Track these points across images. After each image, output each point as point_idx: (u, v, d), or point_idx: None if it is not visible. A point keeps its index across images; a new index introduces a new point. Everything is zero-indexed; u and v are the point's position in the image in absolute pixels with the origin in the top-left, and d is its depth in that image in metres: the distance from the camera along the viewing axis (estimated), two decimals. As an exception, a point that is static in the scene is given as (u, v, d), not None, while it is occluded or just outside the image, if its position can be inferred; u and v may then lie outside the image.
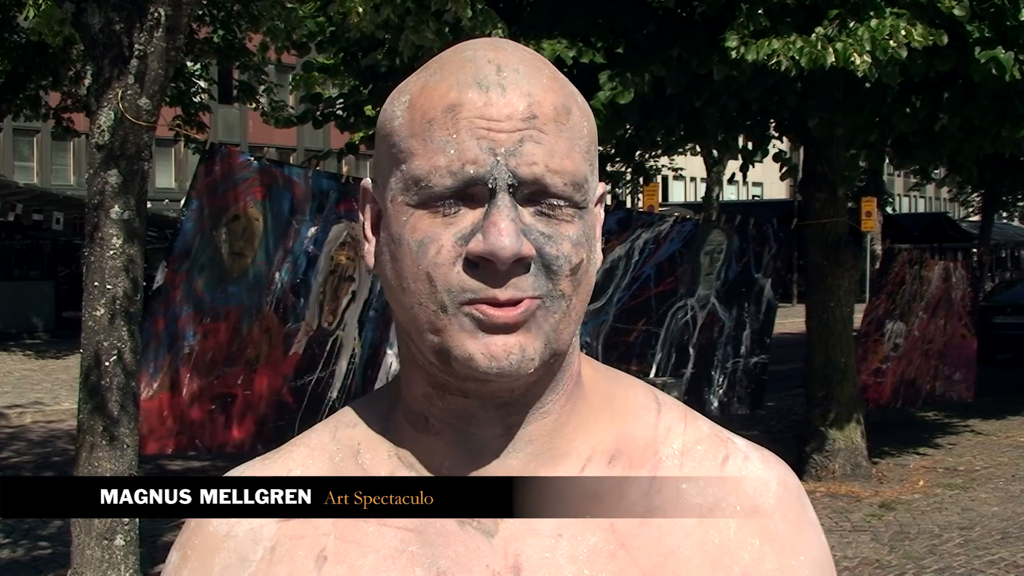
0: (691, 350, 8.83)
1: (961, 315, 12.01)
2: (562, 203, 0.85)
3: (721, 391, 9.10)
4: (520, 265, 0.83)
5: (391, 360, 6.57)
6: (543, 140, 0.84)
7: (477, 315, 0.83)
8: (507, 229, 0.81)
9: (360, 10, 5.79)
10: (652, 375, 8.48)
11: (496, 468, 0.89)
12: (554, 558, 0.87)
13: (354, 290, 6.47)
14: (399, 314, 0.89)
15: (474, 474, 0.89)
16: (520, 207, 0.84)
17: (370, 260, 0.92)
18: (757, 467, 0.95)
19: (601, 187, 0.93)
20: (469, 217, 0.84)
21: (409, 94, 0.88)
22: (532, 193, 0.84)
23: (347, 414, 0.97)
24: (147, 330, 5.60)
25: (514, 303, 0.83)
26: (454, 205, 0.84)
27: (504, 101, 0.84)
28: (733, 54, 7.06)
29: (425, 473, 0.90)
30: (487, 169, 0.82)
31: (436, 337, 0.85)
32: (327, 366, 6.33)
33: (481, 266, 0.83)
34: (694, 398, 8.78)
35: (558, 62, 7.35)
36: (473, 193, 0.83)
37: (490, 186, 0.83)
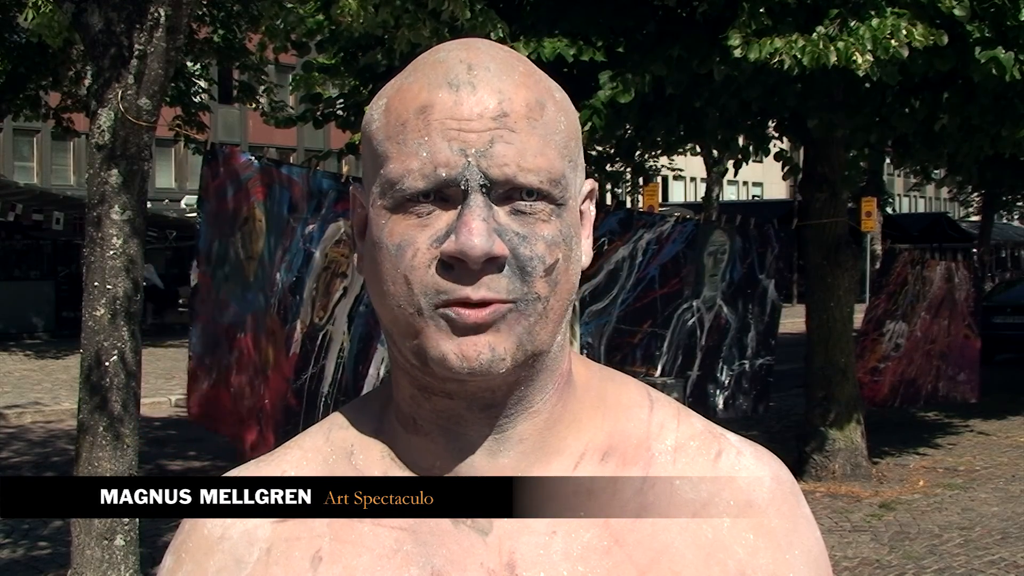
0: (698, 352, 8.81)
1: (964, 315, 11.98)
2: (538, 201, 0.85)
3: (726, 393, 9.08)
4: (493, 265, 0.83)
5: (382, 354, 6.61)
6: (514, 139, 0.84)
7: (451, 315, 0.83)
8: (478, 228, 0.82)
9: (353, 8, 5.79)
10: (657, 376, 8.46)
11: (487, 467, 0.89)
12: (548, 555, 0.88)
13: (346, 286, 6.53)
14: (382, 316, 0.89)
15: (466, 474, 0.89)
16: (495, 206, 0.84)
17: (356, 263, 0.93)
18: (750, 462, 0.95)
19: (588, 184, 0.92)
20: (444, 219, 0.84)
21: (386, 97, 0.89)
22: (506, 192, 0.84)
23: (340, 416, 0.98)
24: (195, 326, 6.02)
25: (486, 304, 0.83)
26: (429, 207, 0.84)
27: (474, 100, 0.84)
28: (736, 52, 7.05)
29: (417, 473, 0.91)
30: (458, 171, 0.83)
31: (415, 340, 0.85)
32: (318, 362, 6.39)
33: (455, 267, 0.83)
34: (699, 400, 8.76)
35: (558, 60, 7.35)
36: (447, 195, 0.84)
37: (462, 187, 0.83)
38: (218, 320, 5.99)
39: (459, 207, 0.83)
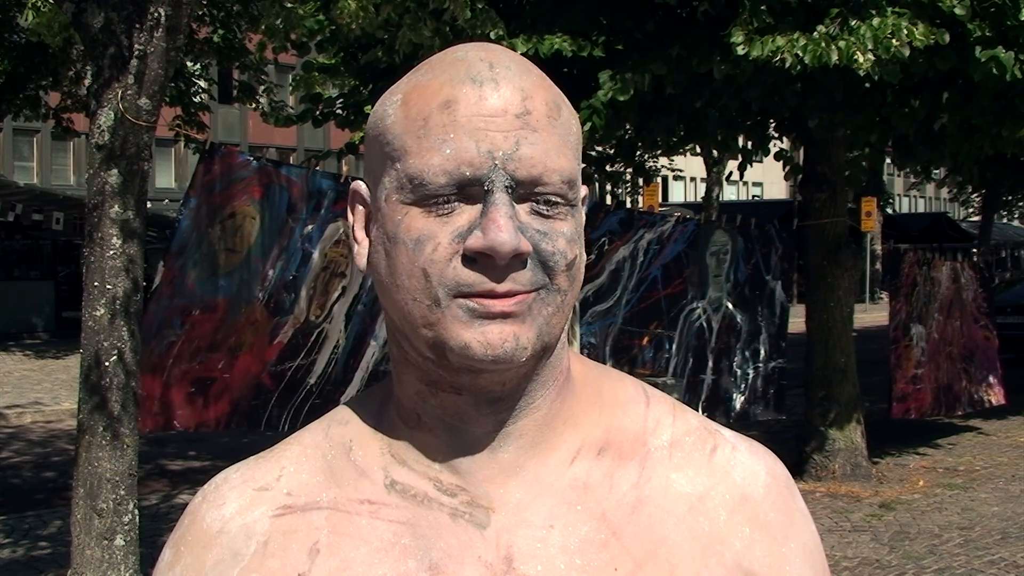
0: (709, 355, 8.78)
1: (977, 316, 11.88)
2: (557, 200, 0.86)
3: (743, 397, 9.05)
4: (517, 261, 0.84)
5: (374, 351, 6.65)
6: (537, 140, 0.85)
7: (472, 305, 0.84)
8: (506, 225, 0.82)
9: (352, 7, 5.79)
10: (668, 377, 8.43)
11: (487, 462, 0.90)
12: (546, 548, 0.88)
13: (344, 285, 6.56)
14: (392, 312, 0.89)
15: (466, 469, 0.90)
16: (516, 205, 0.85)
17: (361, 261, 0.93)
18: (745, 457, 0.96)
19: (584, 189, 0.94)
20: (466, 214, 0.84)
21: (401, 93, 0.89)
22: (528, 192, 0.85)
23: (340, 412, 0.98)
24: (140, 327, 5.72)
25: (510, 296, 0.84)
26: (450, 203, 0.84)
27: (498, 95, 0.85)
28: (739, 50, 7.06)
29: (417, 468, 0.91)
30: (484, 172, 0.83)
31: (430, 331, 0.85)
32: (309, 355, 6.42)
33: (480, 262, 0.83)
34: (714, 404, 8.72)
35: (557, 59, 7.36)
36: (469, 192, 0.84)
37: (486, 187, 0.84)
38: (170, 305, 5.94)
39: (481, 203, 0.84)
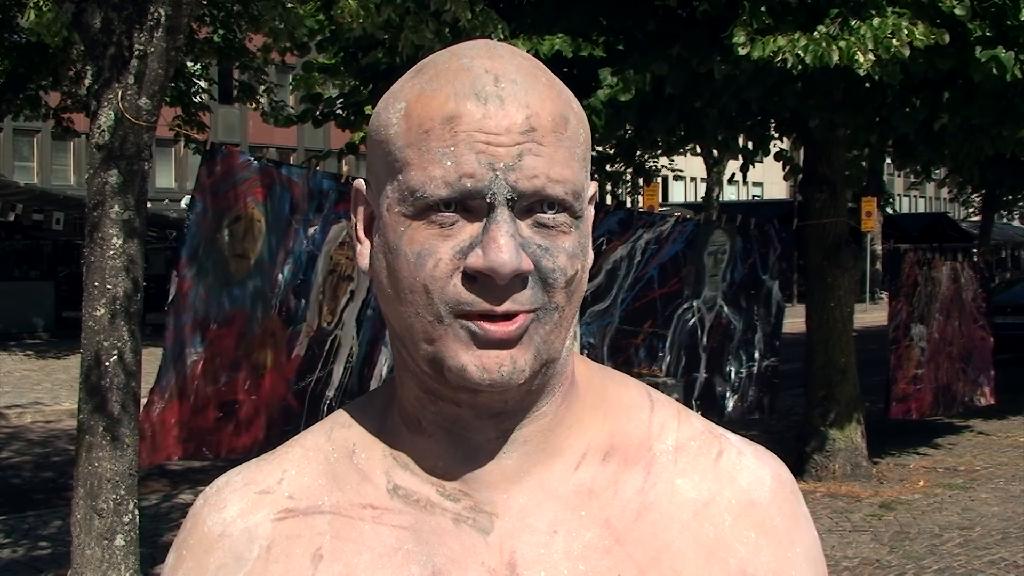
0: (702, 353, 8.78)
1: (975, 316, 11.89)
2: (560, 213, 0.85)
3: (736, 396, 9.05)
4: (518, 279, 0.83)
5: (386, 356, 6.59)
6: (542, 152, 0.84)
7: (473, 328, 0.83)
8: (507, 245, 0.81)
9: (353, 7, 5.78)
10: (662, 376, 8.43)
11: (491, 468, 0.90)
12: (549, 554, 0.88)
13: (352, 289, 6.48)
14: (394, 322, 0.89)
15: (469, 474, 0.90)
16: (518, 220, 0.84)
17: (363, 262, 0.92)
18: (751, 462, 0.95)
19: (592, 187, 0.93)
20: (467, 230, 0.84)
21: (405, 101, 0.88)
22: (530, 204, 0.84)
23: (342, 415, 0.97)
24: (164, 346, 5.69)
25: (510, 316, 0.83)
26: (452, 216, 0.84)
27: (502, 114, 0.84)
28: (740, 50, 7.06)
29: (420, 473, 0.91)
30: (485, 184, 0.82)
31: (431, 347, 0.85)
32: (325, 366, 6.33)
33: (480, 280, 0.83)
34: (707, 403, 8.72)
35: (557, 56, 7.35)
36: (471, 206, 0.83)
37: (488, 200, 0.83)
38: (189, 320, 5.81)
39: (484, 220, 0.83)
